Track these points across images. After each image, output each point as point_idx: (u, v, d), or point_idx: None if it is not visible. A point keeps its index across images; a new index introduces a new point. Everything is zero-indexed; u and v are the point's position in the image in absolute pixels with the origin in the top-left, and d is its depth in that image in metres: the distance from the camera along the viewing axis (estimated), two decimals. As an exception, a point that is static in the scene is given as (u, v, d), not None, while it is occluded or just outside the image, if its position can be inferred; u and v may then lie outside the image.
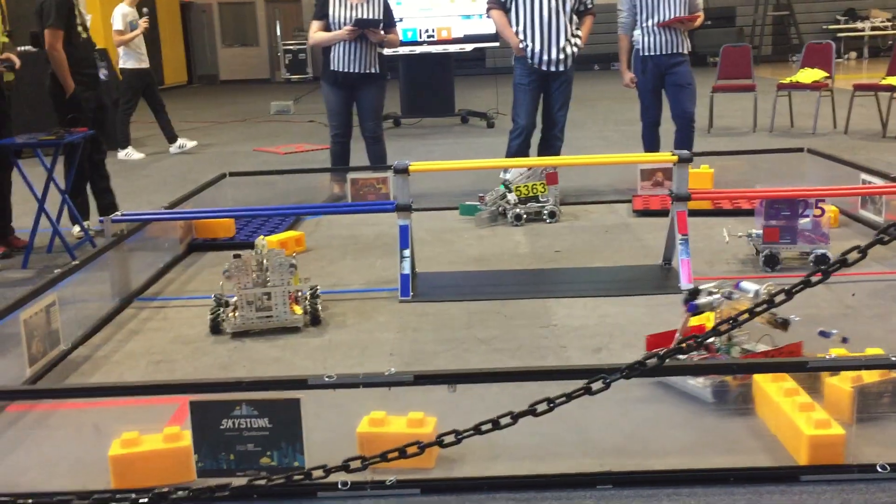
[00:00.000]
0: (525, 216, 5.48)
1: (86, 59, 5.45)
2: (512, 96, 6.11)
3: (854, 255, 1.53)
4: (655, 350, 1.88)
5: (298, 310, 3.77)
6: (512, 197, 5.52)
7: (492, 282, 4.38)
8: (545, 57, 5.84)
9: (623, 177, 6.35)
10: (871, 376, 2.67)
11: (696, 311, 2.94)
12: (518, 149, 6.06)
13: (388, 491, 2.45)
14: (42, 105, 6.30)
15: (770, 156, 6.63)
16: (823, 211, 4.29)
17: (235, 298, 3.75)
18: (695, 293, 2.94)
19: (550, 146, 6.12)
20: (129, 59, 8.88)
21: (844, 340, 2.94)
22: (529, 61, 5.88)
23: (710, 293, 3.00)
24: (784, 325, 3.02)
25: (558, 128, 6.10)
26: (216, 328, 3.76)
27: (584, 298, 4.01)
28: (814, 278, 1.58)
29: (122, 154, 8.85)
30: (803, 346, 3.01)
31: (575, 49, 5.89)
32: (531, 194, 5.54)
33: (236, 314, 3.74)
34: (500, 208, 5.57)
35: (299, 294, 3.84)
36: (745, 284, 3.03)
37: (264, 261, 3.75)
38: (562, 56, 5.84)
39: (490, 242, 5.11)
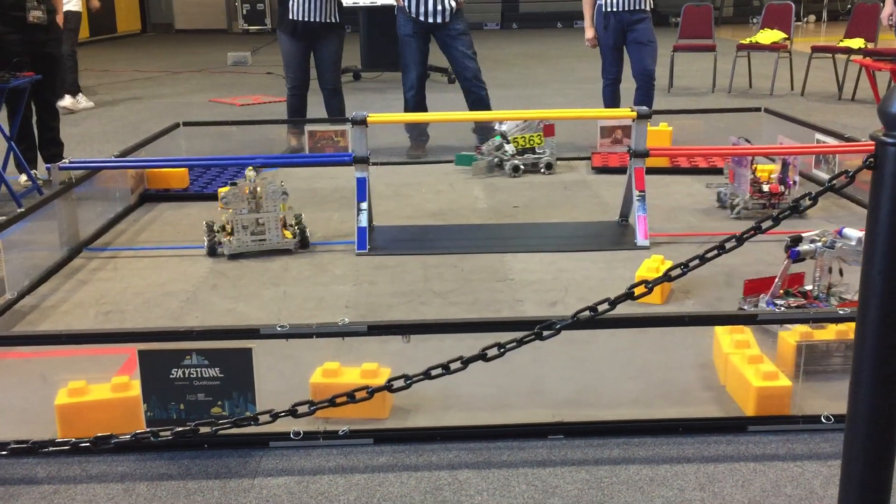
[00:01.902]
0: (522, 167, 5.48)
1: (15, 1, 5.25)
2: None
3: (806, 203, 1.54)
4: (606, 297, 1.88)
5: (288, 234, 4.12)
6: (510, 148, 5.53)
7: (449, 236, 4.36)
8: (422, 8, 5.86)
9: (583, 134, 6.34)
10: (820, 334, 2.72)
11: (797, 257, 2.98)
12: (414, 102, 6.08)
13: (340, 441, 2.45)
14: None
15: (727, 115, 6.66)
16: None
17: (229, 222, 4.05)
18: (797, 240, 2.96)
19: (474, 94, 6.10)
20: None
21: None
22: (407, 11, 5.90)
23: (813, 241, 3.01)
24: None
25: (471, 76, 6.07)
26: (213, 251, 4.04)
27: (541, 253, 4.01)
28: (764, 224, 1.58)
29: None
30: None
31: (454, 4, 5.91)
32: (528, 146, 5.56)
33: (232, 238, 4.01)
34: (497, 159, 5.58)
35: (285, 220, 4.15)
36: (847, 231, 3.04)
37: (257, 188, 4.02)
38: (440, 7, 5.86)
39: (448, 197, 5.09)
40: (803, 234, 3.03)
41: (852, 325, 2.39)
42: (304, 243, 4.11)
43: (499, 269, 3.84)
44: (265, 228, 4.02)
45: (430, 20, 5.90)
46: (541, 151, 5.57)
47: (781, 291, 3.09)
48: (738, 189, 4.52)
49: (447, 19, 5.90)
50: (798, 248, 2.98)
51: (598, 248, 4.09)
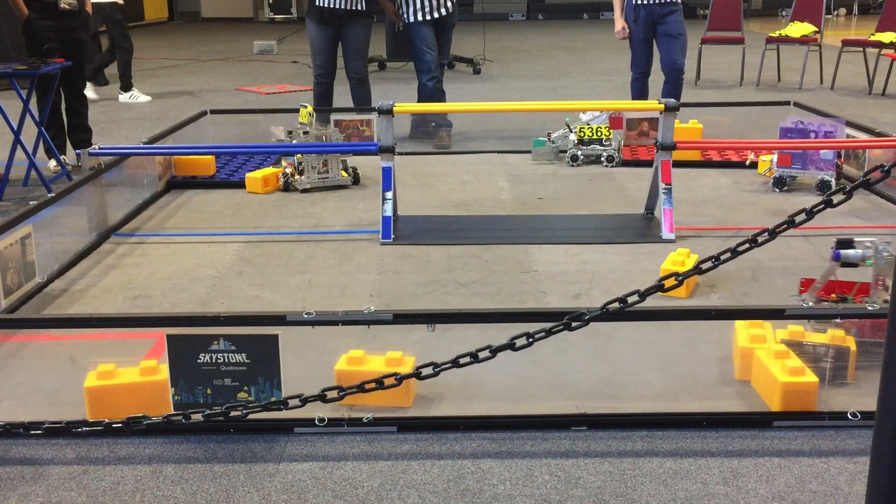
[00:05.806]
0: (582, 157, 5.51)
1: None
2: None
3: (839, 197, 1.52)
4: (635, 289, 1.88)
5: (345, 174, 5.06)
6: (573, 137, 5.56)
7: (474, 226, 4.36)
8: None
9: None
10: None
11: (838, 259, 2.76)
12: (434, 88, 6.19)
13: (364, 428, 2.47)
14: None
15: (756, 109, 6.61)
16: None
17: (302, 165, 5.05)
18: (845, 243, 2.72)
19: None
20: None
21: None
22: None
23: (866, 247, 2.74)
24: None
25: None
26: (287, 187, 5.00)
27: (566, 245, 4.00)
28: (797, 218, 1.57)
29: (124, 97, 8.45)
30: None
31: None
32: (595, 136, 5.57)
33: (302, 177, 5.00)
34: (561, 148, 5.64)
35: (345, 163, 5.11)
36: None
37: (323, 137, 5.04)
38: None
39: (473, 188, 5.09)
40: (856, 239, 2.77)
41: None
42: (356, 180, 5.09)
43: (523, 260, 3.84)
44: (328, 168, 5.00)
45: (436, 14, 6.09)
46: (607, 143, 5.58)
47: (834, 296, 2.86)
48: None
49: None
50: (841, 251, 2.72)
51: (623, 240, 4.08)
